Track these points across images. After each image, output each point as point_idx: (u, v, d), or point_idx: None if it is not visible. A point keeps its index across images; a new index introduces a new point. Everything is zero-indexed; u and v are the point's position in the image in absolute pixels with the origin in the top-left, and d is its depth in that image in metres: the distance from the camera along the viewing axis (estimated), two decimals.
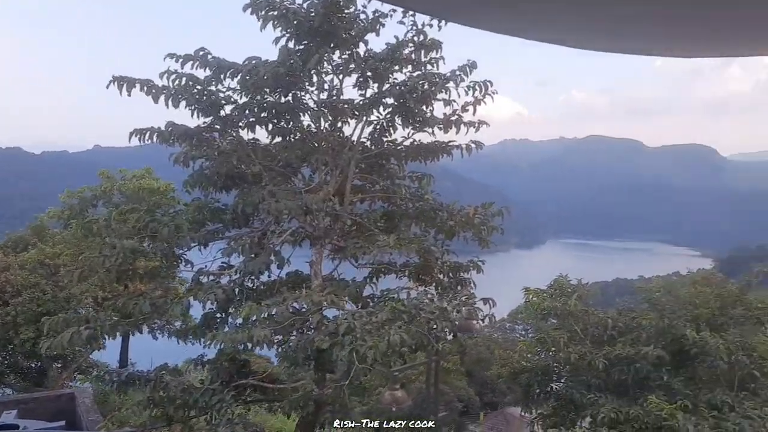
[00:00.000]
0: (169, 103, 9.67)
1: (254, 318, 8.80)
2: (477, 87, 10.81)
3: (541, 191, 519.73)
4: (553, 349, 13.21)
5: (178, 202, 18.32)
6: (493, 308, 10.56)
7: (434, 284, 12.32)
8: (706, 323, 13.32)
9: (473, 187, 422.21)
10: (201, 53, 9.55)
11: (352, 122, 11.46)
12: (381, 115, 11.42)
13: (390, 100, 11.08)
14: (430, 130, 11.33)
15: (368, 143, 11.79)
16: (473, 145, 11.22)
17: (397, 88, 10.60)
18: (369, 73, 10.69)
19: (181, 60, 9.67)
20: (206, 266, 10.99)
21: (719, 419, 10.79)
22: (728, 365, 11.91)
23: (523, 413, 15.67)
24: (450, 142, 11.38)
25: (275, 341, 9.21)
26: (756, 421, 10.21)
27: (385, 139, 11.85)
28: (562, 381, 13.70)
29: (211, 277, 10.74)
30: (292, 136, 11.26)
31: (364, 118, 11.32)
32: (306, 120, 11.08)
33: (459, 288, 12.92)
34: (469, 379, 38.29)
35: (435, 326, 7.90)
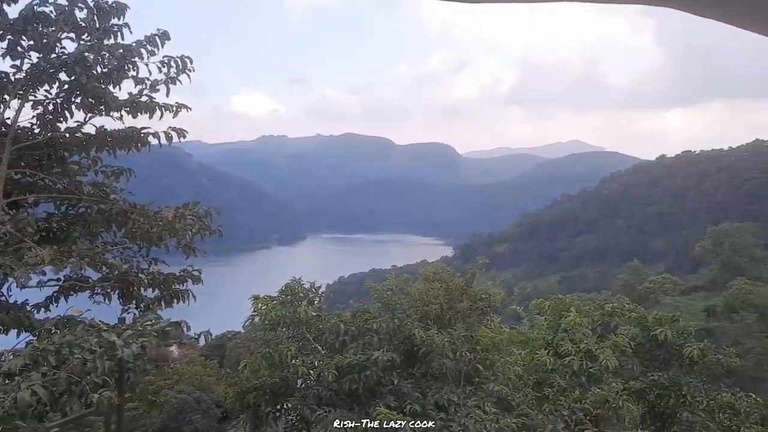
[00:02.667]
0: None
1: None
2: (173, 63, 8.97)
3: (300, 187, 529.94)
4: (280, 363, 11.92)
5: None
6: (188, 329, 8.83)
7: (134, 301, 10.27)
8: (434, 320, 13.18)
9: (232, 183, 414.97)
10: None
11: (14, 103, 8.87)
12: (51, 93, 9.00)
13: (64, 77, 8.76)
14: (117, 114, 9.21)
15: (37, 129, 9.27)
16: (174, 133, 9.36)
17: (66, 60, 8.33)
18: (24, 40, 8.23)
19: None
20: None
21: (446, 420, 10.46)
22: (454, 362, 11.75)
23: None
24: (143, 129, 9.37)
25: None
26: (478, 421, 9.98)
27: (61, 126, 9.42)
28: (295, 397, 12.49)
29: None
30: None
31: (30, 96, 8.82)
32: None
33: (176, 302, 11.15)
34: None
35: (96, 367, 5.94)
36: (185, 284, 11.16)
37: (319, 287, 13.65)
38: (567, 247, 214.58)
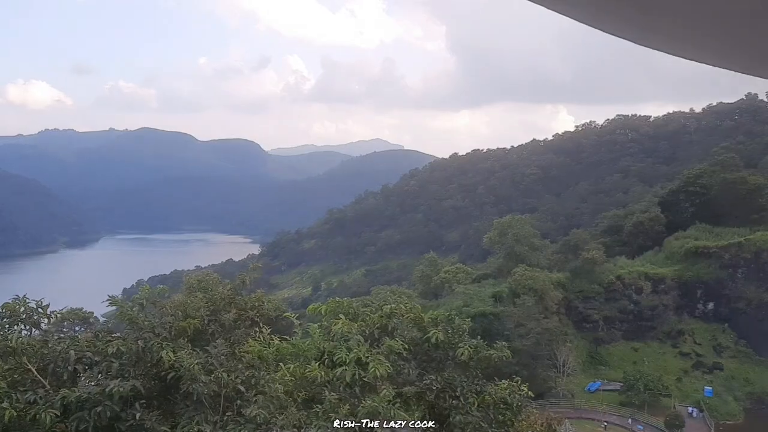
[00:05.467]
0: None
1: None
2: None
3: (92, 185, 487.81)
4: None
5: None
6: None
7: None
8: (193, 337, 11.49)
9: (7, 180, 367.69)
10: None
11: None
12: None
13: None
14: None
15: None
16: None
17: None
18: None
19: None
20: None
21: None
22: (210, 385, 10.16)
23: None
24: None
25: None
26: None
27: None
28: None
29: None
30: None
31: None
32: None
33: None
34: None
35: None
36: None
37: (47, 305, 11.19)
38: (372, 241, 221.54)
